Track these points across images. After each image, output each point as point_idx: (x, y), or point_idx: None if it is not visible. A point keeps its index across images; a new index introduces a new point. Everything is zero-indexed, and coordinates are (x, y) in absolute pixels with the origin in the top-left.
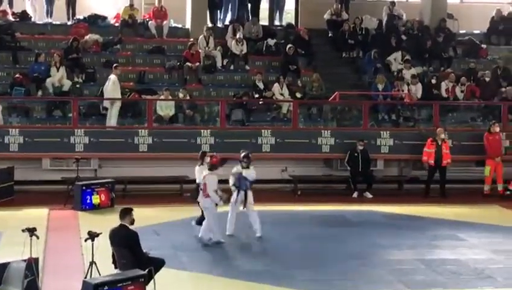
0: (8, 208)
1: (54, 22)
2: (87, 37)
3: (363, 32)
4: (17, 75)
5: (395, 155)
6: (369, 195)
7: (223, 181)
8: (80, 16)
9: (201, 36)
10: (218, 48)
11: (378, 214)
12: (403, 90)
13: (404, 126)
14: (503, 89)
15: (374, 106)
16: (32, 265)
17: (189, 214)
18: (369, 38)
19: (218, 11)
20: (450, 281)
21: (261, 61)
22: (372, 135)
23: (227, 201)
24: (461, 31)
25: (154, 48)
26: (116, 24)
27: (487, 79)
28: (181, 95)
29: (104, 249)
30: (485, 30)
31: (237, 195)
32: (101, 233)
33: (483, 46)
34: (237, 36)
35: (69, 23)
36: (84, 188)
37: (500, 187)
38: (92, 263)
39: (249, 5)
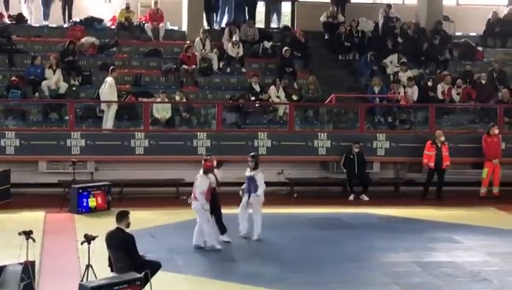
0: (5, 211)
1: (50, 25)
2: (83, 40)
3: (359, 34)
4: (13, 78)
5: (391, 158)
6: (365, 197)
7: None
8: (76, 18)
9: (197, 39)
10: (215, 50)
11: (374, 216)
12: (399, 93)
13: (400, 129)
14: (500, 93)
15: (370, 109)
16: (28, 268)
17: (185, 217)
18: (366, 40)
19: (215, 14)
20: (446, 284)
21: (258, 63)
22: (368, 138)
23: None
24: (457, 34)
25: (150, 51)
26: (113, 27)
27: (483, 81)
28: (178, 98)
29: (100, 252)
30: (481, 32)
31: (247, 197)
32: (97, 236)
33: (479, 48)
34: (233, 39)
35: (65, 25)
36: (80, 191)
37: (495, 190)
38: (88, 266)
39: (246, 8)
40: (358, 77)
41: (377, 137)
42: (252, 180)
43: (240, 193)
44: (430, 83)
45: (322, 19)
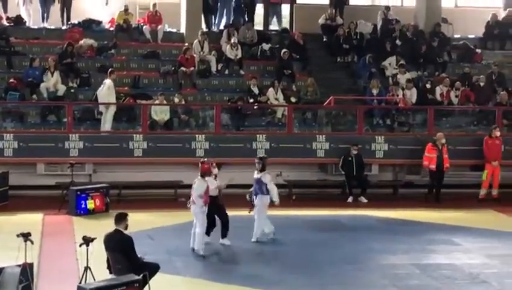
0: (3, 213)
1: (48, 27)
2: (81, 42)
3: (358, 36)
4: (11, 80)
5: (389, 160)
6: (364, 200)
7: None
8: (74, 20)
9: (196, 41)
10: (213, 52)
11: (373, 218)
12: (397, 95)
13: (399, 131)
14: (498, 95)
15: (368, 111)
16: (26, 270)
17: (184, 219)
18: (364, 43)
19: (213, 16)
20: (445, 286)
21: (256, 65)
22: (366, 140)
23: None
24: (456, 36)
25: (148, 53)
26: (111, 29)
27: (482, 84)
28: (176, 100)
29: (98, 254)
30: (480, 35)
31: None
32: (95, 238)
33: (478, 50)
34: (232, 41)
35: (64, 28)
36: (78, 193)
37: (494, 192)
38: (87, 268)
39: (245, 10)
40: (357, 79)
41: (376, 139)
42: (259, 182)
43: (247, 197)
44: (428, 85)
45: (321, 21)
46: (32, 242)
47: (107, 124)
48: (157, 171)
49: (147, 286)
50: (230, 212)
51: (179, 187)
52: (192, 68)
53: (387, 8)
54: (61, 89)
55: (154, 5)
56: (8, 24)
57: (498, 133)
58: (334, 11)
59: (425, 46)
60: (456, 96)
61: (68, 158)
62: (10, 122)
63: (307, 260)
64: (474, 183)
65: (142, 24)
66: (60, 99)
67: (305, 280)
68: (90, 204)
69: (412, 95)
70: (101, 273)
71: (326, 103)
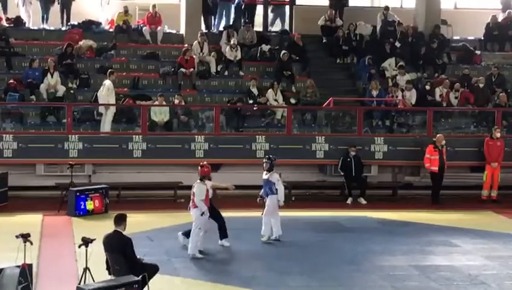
0: (2, 214)
1: (48, 28)
2: (81, 43)
3: (357, 38)
4: (11, 81)
5: (389, 161)
6: (363, 201)
7: None
8: (74, 21)
9: (195, 42)
10: (213, 53)
11: (372, 220)
12: (397, 97)
13: (398, 132)
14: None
15: (368, 112)
16: (26, 271)
17: (183, 220)
18: (363, 44)
19: (213, 17)
20: (444, 288)
21: (255, 67)
22: (366, 141)
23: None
24: (455, 37)
25: (148, 54)
26: (111, 30)
27: (481, 85)
28: (176, 101)
29: (98, 255)
30: (479, 36)
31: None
32: (95, 239)
33: (477, 52)
34: (231, 42)
35: (63, 28)
36: (78, 194)
37: (494, 193)
38: (86, 269)
39: (246, 11)
40: (356, 81)
41: (375, 140)
42: (268, 182)
43: (258, 200)
44: (428, 87)
45: (320, 22)
46: (31, 243)
47: (106, 125)
48: (156, 172)
49: (146, 287)
50: (231, 213)
51: (178, 188)
52: (191, 69)
53: (386, 8)
54: (61, 90)
55: (154, 6)
56: (7, 25)
57: (498, 135)
58: (333, 12)
59: (424, 47)
60: (456, 97)
61: (67, 159)
62: (10, 123)
63: (306, 261)
64: (473, 185)
65: (141, 25)
66: (60, 100)
67: (304, 281)
68: (90, 205)
69: (412, 96)
70: (100, 274)
71: (325, 104)
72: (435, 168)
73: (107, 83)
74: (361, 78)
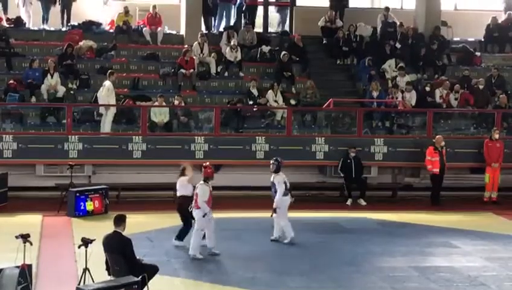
0: (2, 214)
1: (48, 28)
2: (81, 44)
3: (358, 39)
4: (11, 81)
5: (389, 162)
6: (362, 202)
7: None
8: (74, 22)
9: (195, 43)
10: (213, 54)
11: (371, 221)
12: (397, 98)
13: (398, 133)
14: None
15: (368, 113)
16: (25, 272)
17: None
18: (364, 45)
19: (213, 18)
20: (443, 289)
21: (256, 68)
22: (366, 142)
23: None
24: (455, 39)
25: (148, 55)
26: (111, 30)
27: (481, 87)
28: (176, 102)
29: (97, 255)
30: (479, 38)
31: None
32: (94, 239)
33: (477, 53)
34: (232, 43)
35: (64, 29)
36: (78, 194)
37: (494, 195)
38: (86, 269)
39: (247, 13)
40: (356, 82)
41: (375, 142)
42: (273, 184)
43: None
44: (428, 88)
45: (320, 23)
46: (31, 243)
47: (106, 126)
48: (156, 173)
49: (145, 288)
50: (231, 214)
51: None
52: (191, 70)
53: (387, 9)
54: (61, 91)
55: (154, 6)
56: (8, 25)
57: (497, 136)
58: (334, 13)
59: (424, 49)
60: (456, 99)
61: (67, 159)
62: (10, 124)
63: (305, 262)
64: (473, 186)
65: (141, 26)
66: (60, 101)
67: (304, 282)
68: (89, 205)
69: (412, 97)
70: (100, 274)
71: (325, 105)
72: (437, 170)
73: (107, 83)
74: (361, 79)
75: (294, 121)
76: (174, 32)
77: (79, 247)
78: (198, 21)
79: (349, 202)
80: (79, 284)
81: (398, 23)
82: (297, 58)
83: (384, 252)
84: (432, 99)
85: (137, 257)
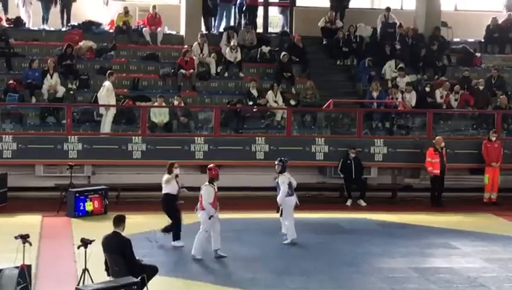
0: (1, 215)
1: (48, 28)
2: (81, 44)
3: (357, 40)
4: (10, 81)
5: (388, 163)
6: (362, 203)
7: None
8: (74, 22)
9: (195, 43)
10: (213, 55)
11: (371, 222)
12: (397, 98)
13: (398, 134)
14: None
15: (368, 114)
16: (25, 272)
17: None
18: (364, 46)
19: (213, 18)
20: None
21: (255, 68)
22: (366, 143)
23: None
24: (455, 39)
25: (148, 55)
26: (111, 31)
27: (481, 87)
28: (176, 102)
29: (97, 256)
30: (479, 38)
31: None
32: (94, 240)
33: (477, 54)
34: (231, 43)
35: (64, 29)
36: (77, 194)
37: (494, 195)
38: (85, 270)
39: (247, 13)
40: (356, 82)
41: (375, 142)
42: (278, 185)
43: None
44: (428, 89)
45: (320, 24)
46: (30, 244)
47: (106, 126)
48: (156, 173)
49: (145, 288)
50: (230, 215)
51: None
52: (191, 70)
53: (388, 9)
54: (61, 91)
55: (154, 7)
56: (7, 25)
57: (494, 138)
58: (334, 14)
59: (424, 49)
60: (456, 99)
61: (67, 160)
62: (9, 124)
63: (305, 262)
64: (473, 187)
65: (141, 26)
66: (59, 101)
67: (303, 283)
68: (89, 206)
69: (412, 98)
70: (99, 275)
71: (325, 106)
72: (437, 171)
73: (107, 84)
74: (361, 80)
75: (294, 122)
76: (174, 32)
77: (78, 247)
78: (198, 21)
79: (349, 202)
80: (78, 285)
81: (397, 24)
82: (297, 59)
83: (384, 253)
84: (432, 100)
85: (137, 258)
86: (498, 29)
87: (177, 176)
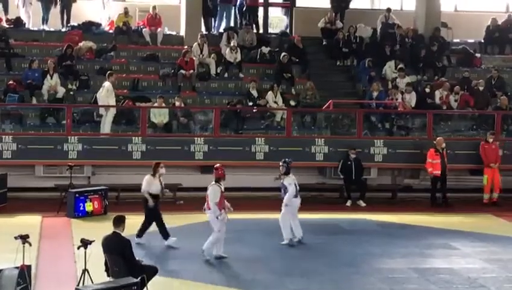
0: (1, 215)
1: (48, 29)
2: (81, 44)
3: (357, 40)
4: (10, 82)
5: (388, 164)
6: (362, 203)
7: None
8: (74, 22)
9: (195, 44)
10: (213, 55)
11: (371, 222)
12: (396, 99)
13: (398, 135)
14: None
15: (368, 115)
16: (24, 272)
17: (182, 222)
18: (363, 46)
19: (213, 19)
20: None
21: (255, 69)
22: (365, 144)
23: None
24: (455, 40)
25: (148, 55)
26: (110, 31)
27: (481, 88)
28: (177, 103)
29: (97, 256)
30: (479, 39)
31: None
32: (93, 240)
33: (477, 55)
34: (231, 44)
35: (63, 30)
36: (77, 195)
37: (494, 196)
38: (85, 270)
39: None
40: (356, 83)
41: (375, 143)
42: (283, 186)
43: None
44: (428, 90)
45: (320, 24)
46: (30, 244)
47: (106, 127)
48: None
49: (145, 289)
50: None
51: (177, 190)
52: (191, 71)
53: (388, 10)
54: (60, 91)
55: (154, 7)
56: (7, 26)
57: (491, 140)
58: (334, 14)
59: (424, 50)
60: (456, 100)
61: (67, 160)
62: (9, 124)
63: (305, 263)
64: (473, 188)
65: (141, 26)
66: (59, 102)
67: (303, 284)
68: (89, 206)
69: (411, 99)
70: (99, 275)
71: (325, 106)
72: (438, 172)
73: (107, 84)
74: (361, 80)
75: (294, 122)
76: (174, 33)
77: (78, 248)
78: (198, 22)
79: (348, 203)
80: (78, 285)
81: (396, 25)
82: (297, 60)
83: (384, 253)
84: (431, 101)
85: (137, 258)
86: (498, 30)
87: (161, 175)
